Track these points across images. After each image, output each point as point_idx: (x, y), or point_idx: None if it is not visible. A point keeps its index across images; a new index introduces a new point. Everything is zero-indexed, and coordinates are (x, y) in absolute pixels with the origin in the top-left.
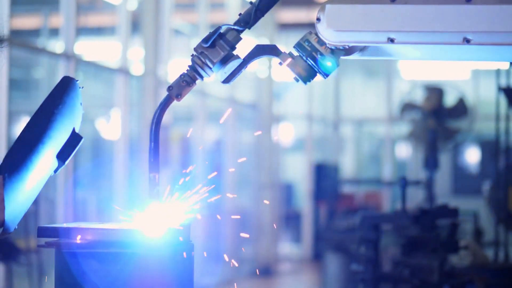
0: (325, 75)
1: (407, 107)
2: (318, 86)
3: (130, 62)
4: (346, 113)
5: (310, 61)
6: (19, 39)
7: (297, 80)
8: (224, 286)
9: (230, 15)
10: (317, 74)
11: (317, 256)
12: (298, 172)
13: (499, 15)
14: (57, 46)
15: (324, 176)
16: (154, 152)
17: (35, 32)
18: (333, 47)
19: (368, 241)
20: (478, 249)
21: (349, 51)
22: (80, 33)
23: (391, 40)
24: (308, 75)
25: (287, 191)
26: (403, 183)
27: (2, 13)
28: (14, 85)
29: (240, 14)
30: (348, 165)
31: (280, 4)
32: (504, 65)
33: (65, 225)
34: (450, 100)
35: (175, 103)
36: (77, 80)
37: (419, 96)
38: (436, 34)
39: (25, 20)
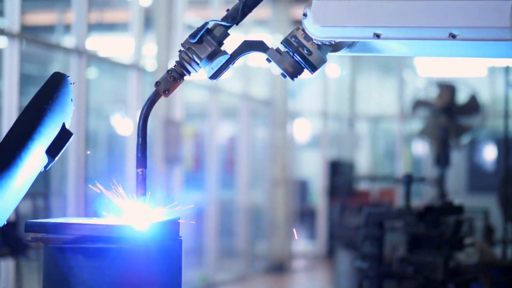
0: (312, 71)
1: (419, 104)
2: (333, 83)
3: (143, 58)
4: (361, 110)
5: (297, 57)
6: (32, 35)
7: (284, 76)
8: (238, 282)
9: None
10: (304, 70)
11: (331, 253)
12: (313, 169)
13: (485, 11)
14: (69, 41)
15: (339, 173)
16: (141, 148)
17: (50, 28)
18: (319, 43)
19: (372, 238)
20: (486, 247)
21: (336, 47)
22: (93, 29)
23: (377, 36)
24: (295, 71)
25: (302, 187)
26: (407, 180)
27: (13, 8)
28: (30, 80)
29: (227, 10)
30: (363, 162)
31: (295, 0)
32: None
33: (53, 220)
34: (462, 97)
35: (189, 99)
36: (68, 76)
37: (433, 93)
38: (422, 30)
39: (41, 16)
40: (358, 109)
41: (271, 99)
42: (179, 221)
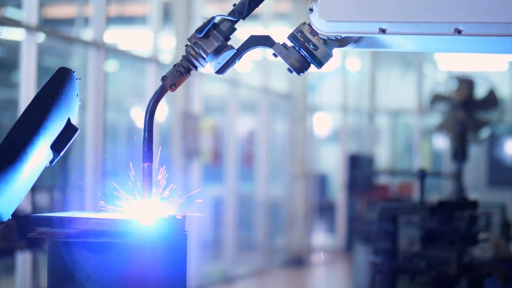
0: (318, 66)
1: (437, 98)
2: (353, 77)
3: (161, 51)
4: (381, 104)
5: (303, 52)
6: (53, 28)
7: (291, 71)
8: (256, 276)
9: (263, 5)
10: (311, 65)
11: (350, 247)
12: (332, 163)
13: (490, 6)
14: (87, 34)
15: (359, 167)
16: (147, 142)
17: (71, 21)
18: (325, 38)
19: (386, 233)
20: (502, 242)
21: (342, 42)
22: (112, 22)
23: (383, 31)
24: (301, 66)
25: (322, 181)
26: (421, 175)
27: (31, 1)
28: (51, 73)
29: (234, 5)
30: (383, 156)
31: None
32: None
33: (58, 214)
34: (480, 91)
35: (208, 92)
36: (74, 71)
37: (451, 88)
38: (428, 25)
39: (62, 9)
40: (378, 103)
41: (290, 93)
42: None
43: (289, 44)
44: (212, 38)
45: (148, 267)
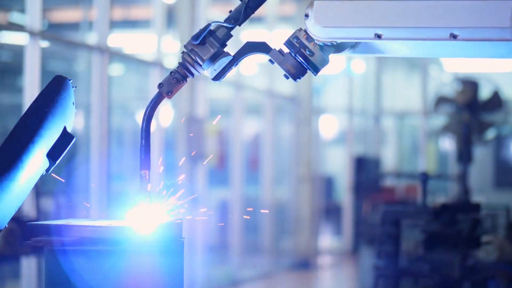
0: (315, 72)
1: (441, 100)
2: (359, 79)
3: (165, 55)
4: (387, 106)
5: (299, 58)
6: (58, 33)
7: (287, 77)
8: (263, 279)
9: (268, 8)
10: (307, 71)
11: (357, 249)
12: (338, 165)
13: (485, 11)
14: (91, 39)
15: (365, 169)
16: (145, 149)
17: (76, 26)
18: (321, 44)
19: (389, 236)
20: (506, 244)
21: (339, 47)
22: (117, 26)
23: (378, 36)
24: (297, 72)
25: (328, 184)
26: (424, 178)
27: (35, 6)
28: None
29: (230, 11)
30: (389, 158)
31: None
32: None
33: (54, 222)
34: (485, 93)
35: (213, 95)
36: (70, 80)
37: (456, 90)
38: (423, 30)
39: (67, 13)
40: (384, 105)
41: (296, 96)
42: None
43: (286, 50)
44: (208, 45)
45: (145, 274)
